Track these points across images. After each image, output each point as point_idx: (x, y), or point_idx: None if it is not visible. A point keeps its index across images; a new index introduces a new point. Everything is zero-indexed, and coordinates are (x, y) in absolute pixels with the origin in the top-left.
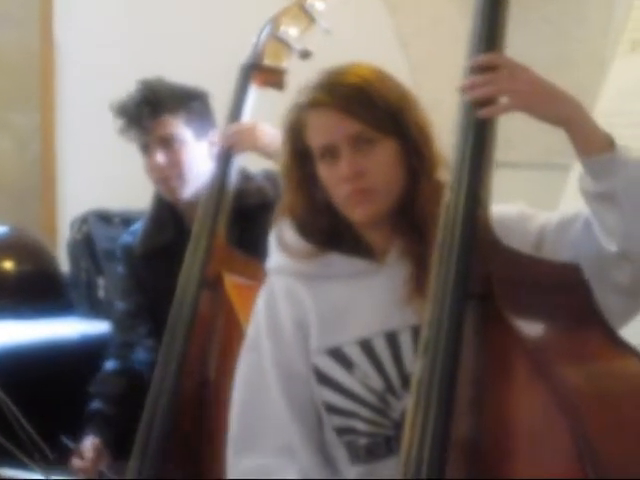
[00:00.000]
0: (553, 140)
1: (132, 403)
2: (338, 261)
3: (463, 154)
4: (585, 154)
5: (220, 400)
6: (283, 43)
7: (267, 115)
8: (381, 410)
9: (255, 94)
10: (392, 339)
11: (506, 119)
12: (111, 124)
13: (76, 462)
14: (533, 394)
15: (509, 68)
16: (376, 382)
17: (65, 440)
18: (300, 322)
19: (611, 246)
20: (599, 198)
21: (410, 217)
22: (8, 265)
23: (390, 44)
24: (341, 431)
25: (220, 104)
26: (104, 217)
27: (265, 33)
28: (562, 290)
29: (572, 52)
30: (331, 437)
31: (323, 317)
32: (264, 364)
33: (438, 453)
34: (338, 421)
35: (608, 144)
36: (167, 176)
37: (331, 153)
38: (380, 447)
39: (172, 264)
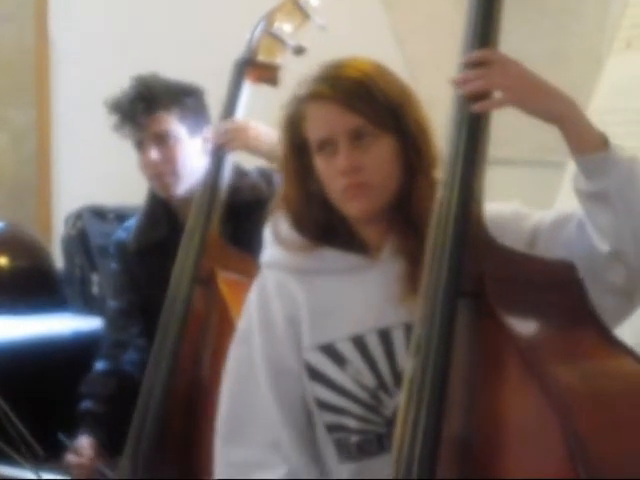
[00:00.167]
0: (548, 137)
1: (122, 404)
2: (331, 256)
3: (456, 150)
4: (578, 152)
5: (213, 398)
6: (277, 39)
7: (261, 111)
8: (373, 407)
9: (249, 90)
10: (385, 336)
11: (500, 116)
12: (106, 120)
13: (72, 458)
14: (525, 393)
15: (502, 64)
16: (368, 379)
17: (62, 437)
18: (292, 318)
19: (604, 246)
20: (592, 197)
21: (406, 213)
22: (2, 261)
23: (386, 41)
24: (332, 428)
25: (216, 100)
26: (99, 213)
27: (259, 29)
28: (556, 288)
29: (569, 48)
30: (321, 434)
31: (315, 313)
32: (254, 358)
33: (429, 451)
34: (329, 418)
35: (602, 143)
36: (161, 172)
37: (329, 146)
38: (371, 444)
39: (166, 260)
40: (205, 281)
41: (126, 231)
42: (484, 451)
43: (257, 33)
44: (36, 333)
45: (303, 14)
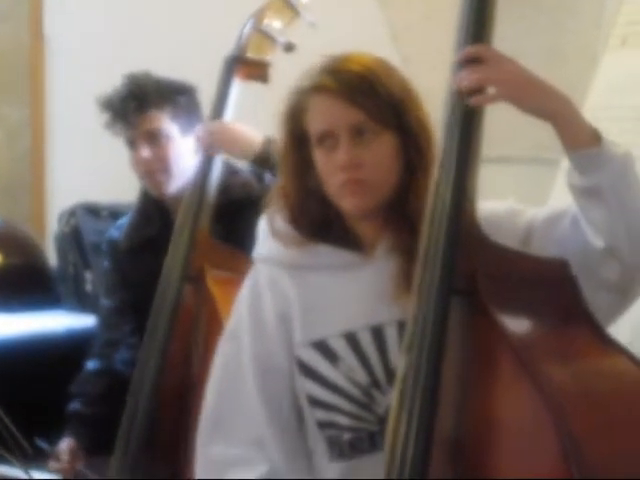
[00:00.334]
0: (542, 135)
1: (113, 403)
2: (325, 252)
3: (450, 147)
4: (572, 148)
5: (203, 397)
6: (266, 36)
7: (251, 109)
8: (365, 405)
9: (239, 88)
10: (378, 333)
11: (495, 113)
12: (99, 118)
13: (52, 464)
14: (519, 392)
15: (496, 60)
16: (361, 376)
17: (40, 443)
18: (283, 315)
19: (598, 242)
20: (586, 193)
21: (403, 211)
22: None
23: (381, 38)
24: (323, 425)
25: (210, 98)
26: (92, 210)
27: (248, 26)
28: (549, 285)
29: (564, 45)
30: (313, 431)
31: (308, 309)
32: (242, 355)
33: (422, 451)
34: (320, 414)
35: (595, 138)
36: (152, 170)
37: (330, 140)
38: (363, 442)
39: (157, 258)
40: (195, 279)
41: (118, 229)
42: (477, 450)
43: (246, 30)
44: (29, 331)
45: (293, 11)
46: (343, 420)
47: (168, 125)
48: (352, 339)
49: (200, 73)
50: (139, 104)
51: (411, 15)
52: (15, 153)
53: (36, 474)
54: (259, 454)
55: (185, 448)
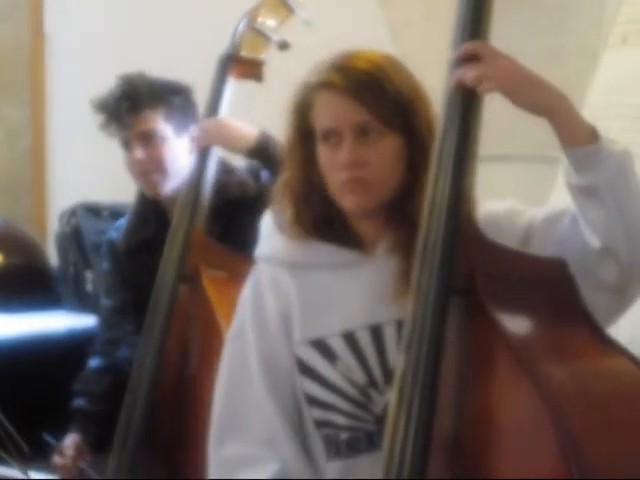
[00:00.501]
0: (542, 133)
1: (116, 400)
2: (326, 250)
3: (447, 146)
4: (569, 146)
5: (200, 395)
6: (260, 34)
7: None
8: (362, 404)
9: (233, 86)
10: (377, 333)
11: (494, 111)
12: (96, 119)
13: (56, 459)
14: (517, 391)
15: (492, 56)
16: (358, 375)
17: (47, 437)
18: (285, 314)
19: (596, 242)
20: (584, 192)
21: (404, 211)
22: None
23: (380, 36)
24: (320, 424)
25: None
26: (93, 210)
27: (242, 24)
28: (547, 285)
29: (565, 44)
30: (310, 430)
31: (307, 307)
32: (248, 355)
33: (421, 450)
34: (318, 413)
35: (592, 136)
36: (147, 171)
37: (334, 137)
38: (361, 442)
39: (155, 258)
40: (190, 279)
41: (117, 231)
42: (476, 450)
43: (240, 28)
44: (30, 330)
45: (287, 9)
46: (340, 419)
47: (162, 126)
48: (351, 338)
49: (204, 73)
50: (132, 105)
51: (411, 14)
52: (15, 153)
53: (34, 474)
54: (270, 452)
55: (182, 447)
